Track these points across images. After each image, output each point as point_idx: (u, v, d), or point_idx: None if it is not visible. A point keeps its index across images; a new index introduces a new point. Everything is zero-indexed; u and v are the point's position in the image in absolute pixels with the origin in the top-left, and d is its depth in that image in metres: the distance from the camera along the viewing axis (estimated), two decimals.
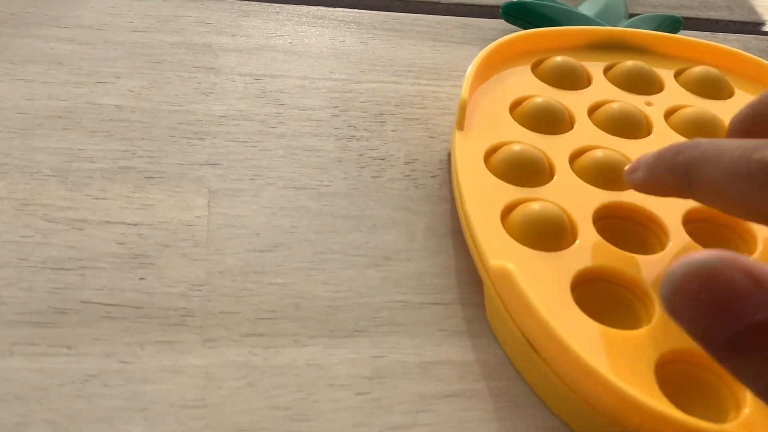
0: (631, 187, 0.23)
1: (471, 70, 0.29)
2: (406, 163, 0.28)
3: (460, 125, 0.27)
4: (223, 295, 0.22)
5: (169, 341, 0.21)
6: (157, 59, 0.30)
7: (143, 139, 0.27)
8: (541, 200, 0.25)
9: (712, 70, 0.32)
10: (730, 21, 0.41)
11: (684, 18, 0.37)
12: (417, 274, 0.24)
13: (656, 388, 0.20)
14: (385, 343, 0.22)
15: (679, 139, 0.28)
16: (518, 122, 0.28)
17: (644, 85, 0.31)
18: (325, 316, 0.22)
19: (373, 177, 0.27)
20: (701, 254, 0.15)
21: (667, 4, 0.40)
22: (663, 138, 0.28)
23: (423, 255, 0.25)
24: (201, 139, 0.27)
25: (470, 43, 0.35)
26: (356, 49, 0.33)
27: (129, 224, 0.24)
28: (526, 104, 0.29)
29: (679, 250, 0.24)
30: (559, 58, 0.31)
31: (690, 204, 0.25)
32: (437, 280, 0.24)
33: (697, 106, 0.30)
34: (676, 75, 0.32)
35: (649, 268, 0.23)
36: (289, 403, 0.20)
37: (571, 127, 0.28)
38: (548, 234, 0.23)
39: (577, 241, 0.24)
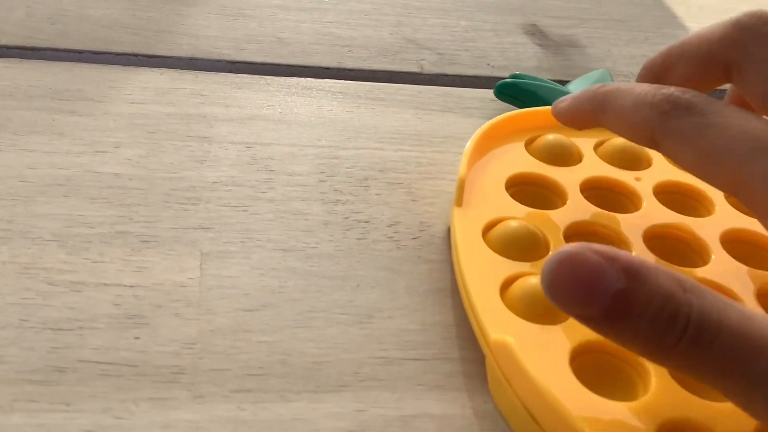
0: (556, 116, 0.28)
1: (468, 148, 0.30)
2: (389, 226, 0.29)
3: (459, 202, 0.28)
4: (213, 352, 0.23)
5: (161, 398, 0.22)
6: (153, 129, 0.32)
7: (139, 205, 0.28)
8: (538, 275, 0.25)
9: None
10: None
11: None
12: (398, 330, 0.25)
13: None
14: (367, 397, 0.23)
15: (669, 212, 0.30)
16: (514, 198, 0.29)
17: (633, 160, 0.32)
18: (311, 372, 0.23)
19: (358, 239, 0.29)
20: (564, 247, 0.18)
21: None
22: (653, 211, 0.30)
23: (404, 312, 0.26)
24: (194, 204, 0.29)
25: (451, 111, 0.37)
26: (342, 118, 0.35)
27: (125, 286, 0.25)
28: (521, 180, 0.30)
29: None
30: (551, 136, 0.32)
31: None
32: (417, 337, 0.25)
33: (684, 179, 0.31)
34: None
35: None
36: None
37: (564, 203, 0.29)
38: (546, 307, 0.24)
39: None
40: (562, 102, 0.28)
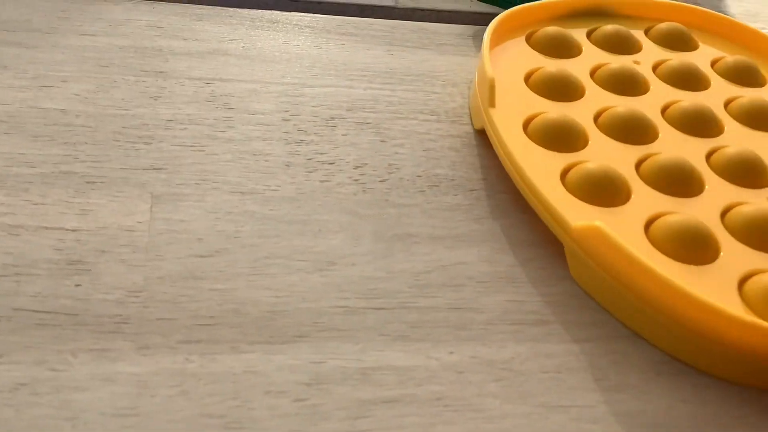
0: None
1: (486, 48, 0.30)
2: (355, 168, 0.28)
3: (492, 103, 0.28)
4: (160, 301, 0.22)
5: (102, 349, 0.20)
6: (105, 63, 0.30)
7: (86, 143, 0.26)
8: (592, 161, 0.27)
9: (677, 25, 0.35)
10: None
11: None
12: (361, 278, 0.24)
13: (740, 304, 0.23)
14: (326, 348, 0.22)
15: (673, 91, 0.31)
16: (536, 93, 0.30)
17: (627, 45, 0.34)
18: (266, 321, 0.22)
19: (321, 181, 0.27)
20: None
21: None
22: (661, 91, 0.31)
23: (368, 259, 0.24)
24: (146, 143, 0.27)
25: (425, 47, 0.34)
26: (310, 54, 0.33)
27: (67, 230, 0.23)
28: (540, 75, 0.30)
29: (715, 190, 0.27)
30: (551, 29, 0.33)
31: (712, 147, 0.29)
32: (381, 285, 0.24)
33: (677, 58, 0.33)
34: (646, 32, 0.35)
35: (703, 204, 0.26)
36: (224, 411, 0.20)
37: (583, 93, 0.30)
38: (610, 191, 0.26)
39: (633, 195, 0.26)
40: None
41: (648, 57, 0.33)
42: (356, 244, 0.25)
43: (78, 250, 0.23)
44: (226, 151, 0.27)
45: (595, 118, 0.29)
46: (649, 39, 0.35)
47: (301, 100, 0.30)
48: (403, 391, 0.21)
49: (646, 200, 0.26)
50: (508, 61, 0.31)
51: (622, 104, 0.30)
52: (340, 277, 0.24)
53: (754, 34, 0.35)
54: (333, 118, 0.30)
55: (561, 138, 0.28)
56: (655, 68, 0.33)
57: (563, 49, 0.33)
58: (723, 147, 0.29)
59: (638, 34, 0.35)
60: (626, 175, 0.27)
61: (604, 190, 0.26)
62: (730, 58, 0.34)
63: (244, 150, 0.27)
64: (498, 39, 0.32)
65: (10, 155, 0.25)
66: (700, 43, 0.35)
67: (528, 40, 0.33)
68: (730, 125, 0.30)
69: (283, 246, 0.24)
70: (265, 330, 0.22)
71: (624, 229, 0.25)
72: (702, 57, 0.34)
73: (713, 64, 0.34)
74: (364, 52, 0.34)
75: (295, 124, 0.29)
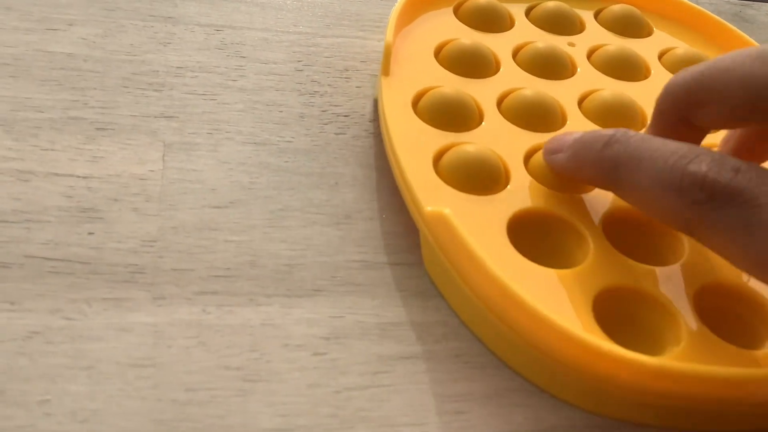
0: (551, 166, 0.23)
1: (394, 13, 0.28)
2: (371, 120, 0.27)
3: (386, 71, 0.26)
4: (175, 251, 0.21)
5: (117, 298, 0.20)
6: (111, 7, 0.29)
7: (95, 89, 0.25)
8: (472, 144, 0.24)
9: (630, 9, 0.32)
10: None
11: None
12: (379, 233, 0.23)
13: (594, 323, 0.20)
14: (344, 303, 0.21)
15: (603, 78, 0.29)
16: (444, 66, 0.28)
17: (566, 25, 0.31)
18: (282, 274, 0.21)
19: (337, 134, 0.26)
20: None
21: None
22: (587, 77, 0.29)
23: (386, 213, 0.24)
24: (156, 90, 0.26)
25: None
26: (322, 2, 0.32)
27: (78, 177, 0.23)
28: (451, 47, 0.28)
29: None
30: (482, 0, 0.30)
31: None
32: (399, 240, 0.23)
33: (618, 44, 0.30)
34: (596, 15, 0.32)
35: (582, 206, 0.23)
36: (242, 363, 0.19)
37: (498, 70, 0.28)
38: (482, 177, 0.23)
39: (509, 185, 0.23)
40: (556, 152, 0.23)
41: (587, 40, 0.30)
42: (373, 198, 0.24)
43: (89, 197, 0.22)
44: (238, 100, 0.26)
45: (501, 99, 0.27)
46: (598, 21, 0.32)
47: (315, 51, 0.29)
48: (422, 347, 0.21)
49: (522, 191, 0.23)
50: (429, 30, 0.29)
51: (536, 87, 0.27)
52: (357, 231, 0.23)
53: (717, 25, 0.32)
54: (347, 70, 0.29)
55: (447, 115, 0.25)
56: (590, 53, 0.30)
57: (490, 22, 0.30)
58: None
59: (585, 15, 0.32)
60: (510, 163, 0.24)
61: (474, 176, 0.23)
62: (680, 49, 0.31)
63: (257, 100, 0.27)
64: (424, 6, 0.30)
65: (17, 99, 0.24)
66: (654, 30, 0.32)
67: (456, 11, 0.30)
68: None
69: (299, 198, 0.24)
70: (282, 283, 0.21)
71: (487, 222, 0.22)
72: (653, 46, 0.31)
73: (661, 55, 0.31)
74: (377, 2, 0.33)
75: (308, 75, 0.28)
